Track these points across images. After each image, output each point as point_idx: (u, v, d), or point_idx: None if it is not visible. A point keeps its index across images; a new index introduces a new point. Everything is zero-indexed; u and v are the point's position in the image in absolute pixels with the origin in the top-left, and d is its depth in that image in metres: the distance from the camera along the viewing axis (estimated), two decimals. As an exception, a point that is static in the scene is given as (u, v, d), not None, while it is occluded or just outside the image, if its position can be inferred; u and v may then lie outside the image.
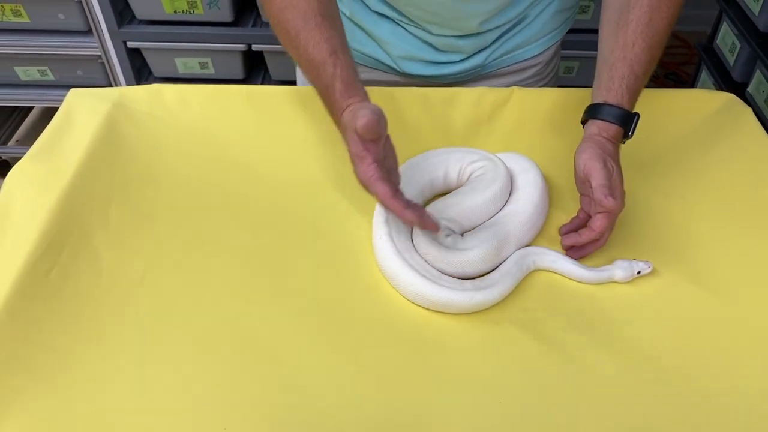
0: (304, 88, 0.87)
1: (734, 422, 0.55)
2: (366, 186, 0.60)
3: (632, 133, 0.69)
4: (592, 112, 0.69)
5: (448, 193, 0.74)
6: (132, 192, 0.74)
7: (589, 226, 0.64)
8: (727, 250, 0.69)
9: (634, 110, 0.69)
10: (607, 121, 0.68)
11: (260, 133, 0.83)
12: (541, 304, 0.64)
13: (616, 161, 0.67)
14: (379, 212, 0.68)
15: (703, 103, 0.88)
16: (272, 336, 0.61)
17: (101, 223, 0.69)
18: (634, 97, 0.69)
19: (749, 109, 0.86)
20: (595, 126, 0.68)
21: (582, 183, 0.67)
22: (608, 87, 0.69)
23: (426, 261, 0.65)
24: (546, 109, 0.86)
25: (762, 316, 0.63)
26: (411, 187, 0.71)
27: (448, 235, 0.66)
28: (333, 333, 0.61)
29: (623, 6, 0.70)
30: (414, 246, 0.67)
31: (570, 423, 0.55)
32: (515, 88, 0.87)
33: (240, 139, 0.82)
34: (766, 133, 0.83)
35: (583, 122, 0.71)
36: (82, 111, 0.82)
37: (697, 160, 0.80)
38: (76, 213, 0.69)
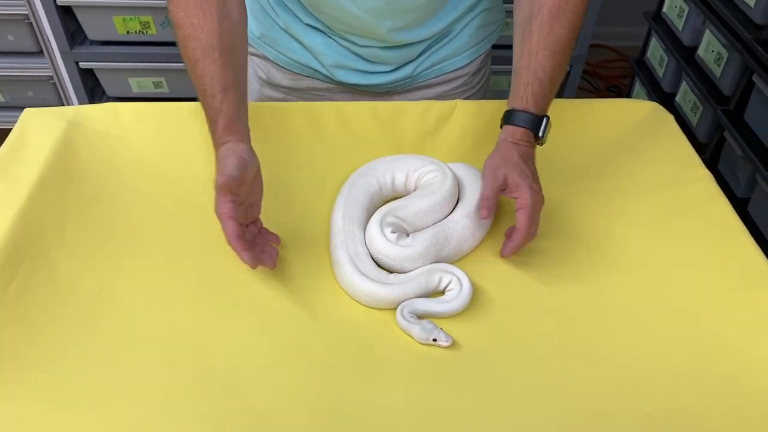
0: (257, 104, 0.91)
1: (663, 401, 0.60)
2: (219, 220, 0.65)
3: (543, 133, 0.74)
4: (505, 118, 0.75)
5: (397, 198, 0.78)
6: (88, 208, 0.76)
7: (516, 226, 0.69)
8: (652, 241, 0.75)
9: (546, 114, 0.74)
10: (514, 124, 0.73)
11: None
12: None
13: (526, 159, 0.71)
14: (334, 223, 0.73)
15: (630, 112, 0.95)
16: (228, 342, 0.63)
17: (58, 238, 0.71)
18: (541, 101, 0.73)
19: (671, 116, 0.93)
20: (505, 131, 0.74)
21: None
22: (515, 94, 0.74)
23: (372, 254, 0.70)
24: (487, 119, 0.91)
25: (684, 298, 0.69)
26: (361, 194, 0.75)
27: (394, 232, 0.71)
28: (291, 339, 0.64)
29: (527, 17, 0.75)
30: (366, 242, 0.72)
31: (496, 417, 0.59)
32: (458, 101, 0.92)
33: (195, 154, 0.85)
34: (686, 137, 0.90)
35: (502, 127, 0.76)
36: (38, 129, 0.83)
37: (625, 163, 0.87)
38: (32, 229, 0.70)
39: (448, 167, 0.78)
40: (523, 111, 0.73)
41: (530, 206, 0.68)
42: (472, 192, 0.76)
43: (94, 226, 0.73)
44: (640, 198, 0.81)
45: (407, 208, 0.74)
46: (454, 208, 0.76)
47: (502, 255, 0.70)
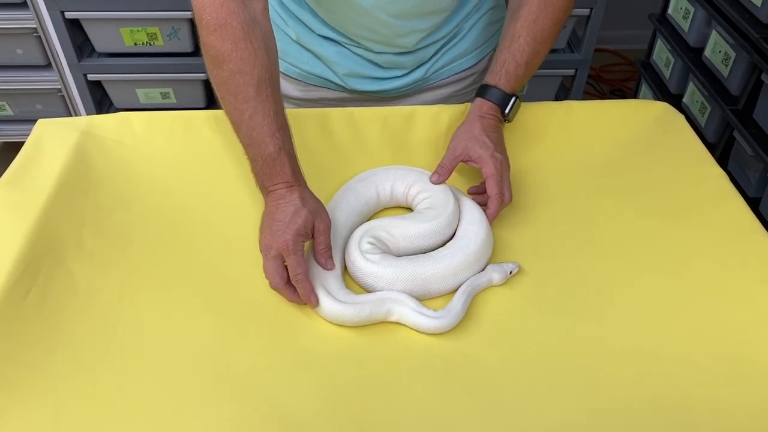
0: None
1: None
2: (297, 281, 0.65)
3: (509, 110, 0.80)
4: (478, 92, 0.81)
5: (393, 207, 0.79)
6: (104, 216, 0.76)
7: (489, 194, 0.75)
8: (667, 240, 0.75)
9: (516, 94, 0.80)
10: (484, 98, 0.80)
11: (226, 155, 0.86)
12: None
13: (488, 131, 0.77)
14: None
15: (641, 112, 0.95)
16: (246, 347, 0.63)
17: (75, 246, 0.71)
18: (513, 80, 0.80)
19: (682, 116, 0.93)
20: (475, 103, 0.81)
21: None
22: (491, 71, 0.81)
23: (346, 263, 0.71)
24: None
25: (700, 295, 0.69)
26: (356, 200, 0.76)
27: (371, 244, 0.70)
28: (306, 343, 0.64)
29: (517, 4, 0.82)
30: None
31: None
32: (468, 105, 0.92)
33: (207, 162, 0.85)
34: (697, 137, 0.90)
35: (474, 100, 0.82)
36: (52, 140, 0.83)
37: (637, 162, 0.87)
38: (50, 237, 0.70)
39: (452, 192, 0.76)
40: (494, 87, 0.80)
41: (495, 173, 0.73)
42: (463, 234, 0.72)
43: (111, 233, 0.74)
44: (653, 197, 0.81)
45: (397, 228, 0.72)
46: (451, 238, 0.73)
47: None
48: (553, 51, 1.71)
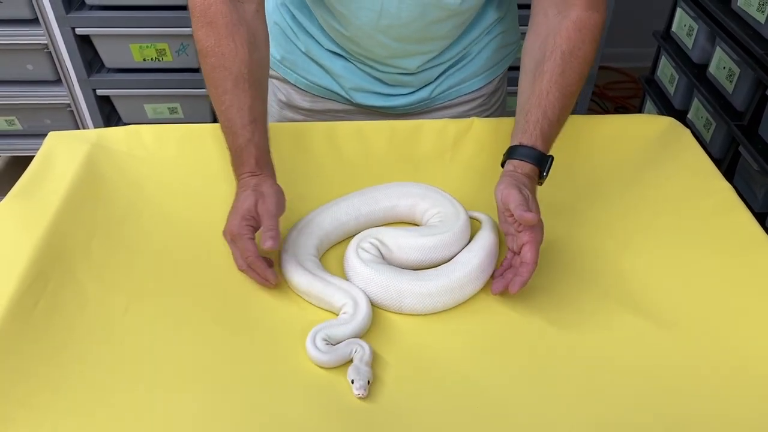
0: (278, 125, 0.92)
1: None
2: (236, 239, 0.68)
3: (546, 173, 0.73)
4: (509, 153, 0.73)
5: (397, 219, 0.79)
6: (113, 227, 0.76)
7: (522, 260, 0.66)
8: (674, 252, 0.75)
9: (549, 153, 0.73)
10: (521, 159, 0.72)
11: (235, 167, 0.87)
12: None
13: (532, 193, 0.70)
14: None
15: (647, 127, 0.95)
16: (255, 363, 0.63)
17: (84, 257, 0.71)
18: (547, 139, 0.73)
19: (688, 131, 0.94)
20: (511, 164, 0.72)
21: (503, 215, 0.69)
22: (523, 130, 0.73)
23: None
24: (504, 136, 0.90)
25: (707, 309, 0.68)
26: (367, 207, 0.77)
27: (372, 244, 0.71)
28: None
29: (539, 59, 0.76)
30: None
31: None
32: (475, 119, 0.93)
33: (216, 174, 0.86)
34: (703, 151, 0.90)
35: (503, 165, 0.74)
36: (62, 152, 0.84)
37: (644, 176, 0.87)
38: (59, 248, 0.71)
39: (464, 211, 0.75)
40: (531, 147, 0.72)
41: (538, 241, 0.66)
42: (459, 260, 0.70)
43: (120, 245, 0.74)
44: (660, 210, 0.81)
45: (406, 238, 0.72)
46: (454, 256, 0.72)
47: (511, 291, 0.65)
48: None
